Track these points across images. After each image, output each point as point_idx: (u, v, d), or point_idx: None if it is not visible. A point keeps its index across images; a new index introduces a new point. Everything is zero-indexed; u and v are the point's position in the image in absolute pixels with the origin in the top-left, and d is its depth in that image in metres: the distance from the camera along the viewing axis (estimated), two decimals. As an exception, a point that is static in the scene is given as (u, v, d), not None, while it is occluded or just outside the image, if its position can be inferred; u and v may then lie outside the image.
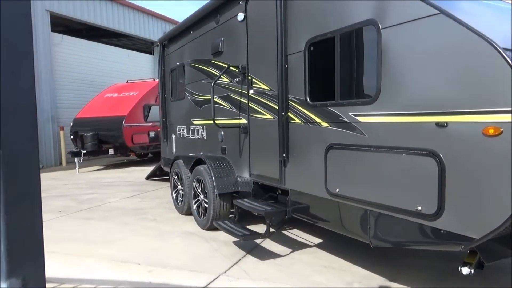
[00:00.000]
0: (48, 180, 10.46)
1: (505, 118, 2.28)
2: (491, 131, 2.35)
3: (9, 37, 1.24)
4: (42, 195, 1.46)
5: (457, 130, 2.54)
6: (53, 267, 4.07)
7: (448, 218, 2.62)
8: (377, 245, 3.24)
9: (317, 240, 4.79)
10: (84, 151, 11.95)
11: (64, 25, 15.84)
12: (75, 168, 12.24)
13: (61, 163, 14.17)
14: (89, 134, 11.97)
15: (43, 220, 1.45)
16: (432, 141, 2.69)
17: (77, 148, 12.07)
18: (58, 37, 14.75)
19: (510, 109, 2.25)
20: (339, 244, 4.54)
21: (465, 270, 2.70)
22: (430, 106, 2.70)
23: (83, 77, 15.71)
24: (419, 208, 2.78)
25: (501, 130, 2.30)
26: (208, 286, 3.60)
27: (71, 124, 12.61)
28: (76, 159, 12.08)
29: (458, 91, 2.53)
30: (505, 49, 2.30)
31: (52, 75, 14.07)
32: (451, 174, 2.59)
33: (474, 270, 2.71)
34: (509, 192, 2.29)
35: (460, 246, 2.57)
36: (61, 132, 13.72)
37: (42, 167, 12.99)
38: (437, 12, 2.62)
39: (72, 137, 12.22)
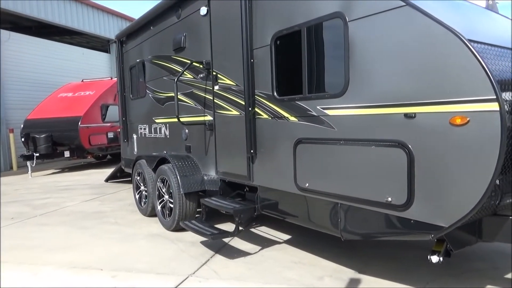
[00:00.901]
0: (-2, 186, 9.80)
1: (472, 107, 2.33)
2: (458, 121, 2.40)
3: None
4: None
5: (425, 120, 2.58)
6: (4, 277, 3.78)
7: (418, 208, 2.66)
8: (348, 238, 3.25)
9: (286, 236, 4.77)
10: (37, 154, 11.32)
11: (11, 22, 14.92)
12: (27, 172, 11.55)
13: (11, 168, 13.37)
14: (42, 136, 11.36)
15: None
16: (400, 132, 2.72)
17: (29, 151, 11.41)
18: (5, 34, 13.89)
19: (476, 98, 2.31)
20: (307, 239, 4.54)
21: (434, 258, 2.76)
22: (398, 98, 2.72)
23: (34, 76, 14.92)
24: (389, 199, 2.80)
25: (467, 119, 2.36)
26: (177, 288, 3.47)
27: (22, 125, 11.93)
28: (28, 163, 11.40)
29: (425, 82, 2.56)
30: (470, 40, 2.36)
31: (-1, 74, 13.23)
32: (420, 165, 2.63)
33: (442, 258, 2.77)
34: (476, 180, 2.35)
35: (430, 235, 2.62)
36: (11, 135, 12.93)
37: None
38: (403, 4, 2.65)
39: (23, 139, 11.57)
